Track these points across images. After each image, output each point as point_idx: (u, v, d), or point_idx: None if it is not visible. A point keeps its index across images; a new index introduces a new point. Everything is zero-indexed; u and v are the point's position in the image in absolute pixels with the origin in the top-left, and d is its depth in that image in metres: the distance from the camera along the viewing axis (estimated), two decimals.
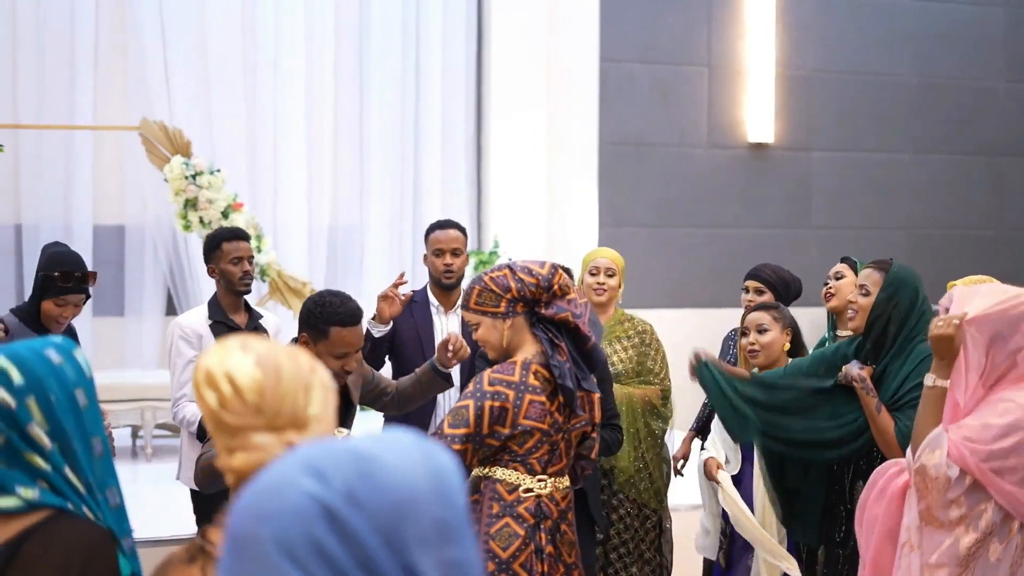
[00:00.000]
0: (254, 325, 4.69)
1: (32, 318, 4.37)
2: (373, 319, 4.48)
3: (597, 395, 3.43)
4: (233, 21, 9.37)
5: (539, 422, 3.27)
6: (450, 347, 3.94)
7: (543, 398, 3.28)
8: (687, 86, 10.34)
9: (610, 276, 4.76)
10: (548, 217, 9.91)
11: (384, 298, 4.46)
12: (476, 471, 3.37)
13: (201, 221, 7.77)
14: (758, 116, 10.45)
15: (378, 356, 4.60)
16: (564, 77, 9.92)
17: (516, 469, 3.29)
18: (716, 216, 10.44)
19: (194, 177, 7.73)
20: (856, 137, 10.74)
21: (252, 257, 4.74)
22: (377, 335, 4.51)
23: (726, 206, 10.47)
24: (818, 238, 10.60)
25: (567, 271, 3.46)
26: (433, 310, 4.78)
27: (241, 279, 4.66)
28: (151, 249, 9.30)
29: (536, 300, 3.31)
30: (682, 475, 5.05)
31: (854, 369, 3.79)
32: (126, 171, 8.94)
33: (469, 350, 3.99)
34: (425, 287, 4.86)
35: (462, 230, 4.82)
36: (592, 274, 4.79)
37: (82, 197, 9.11)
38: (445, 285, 4.75)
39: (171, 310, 9.12)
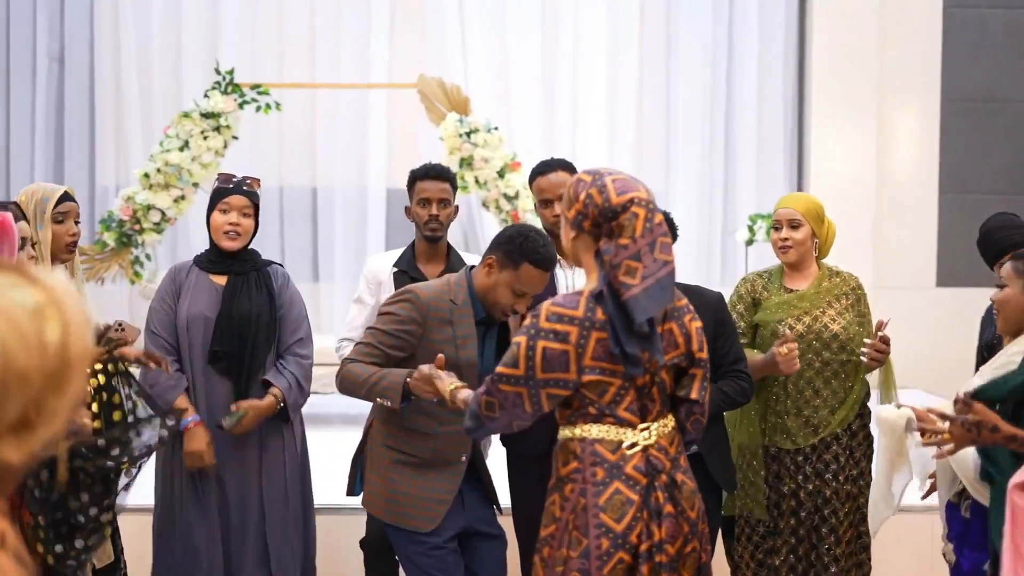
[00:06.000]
0: None
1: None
2: None
3: (697, 324, 2.83)
4: None
5: (612, 364, 2.65)
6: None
7: None
8: None
9: (794, 228, 3.96)
10: (878, 184, 8.89)
11: None
12: (566, 432, 2.76)
13: (477, 181, 7.36)
14: None
15: None
16: (901, 24, 8.89)
17: (611, 424, 2.69)
18: None
19: (469, 135, 7.32)
20: None
21: (448, 200, 4.20)
22: None
23: None
24: None
25: (669, 218, 3.15)
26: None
27: (427, 223, 4.15)
28: None
29: (597, 224, 2.68)
30: None
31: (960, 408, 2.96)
32: (418, 133, 8.72)
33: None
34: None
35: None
36: (776, 228, 4.02)
37: (376, 160, 9.00)
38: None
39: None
